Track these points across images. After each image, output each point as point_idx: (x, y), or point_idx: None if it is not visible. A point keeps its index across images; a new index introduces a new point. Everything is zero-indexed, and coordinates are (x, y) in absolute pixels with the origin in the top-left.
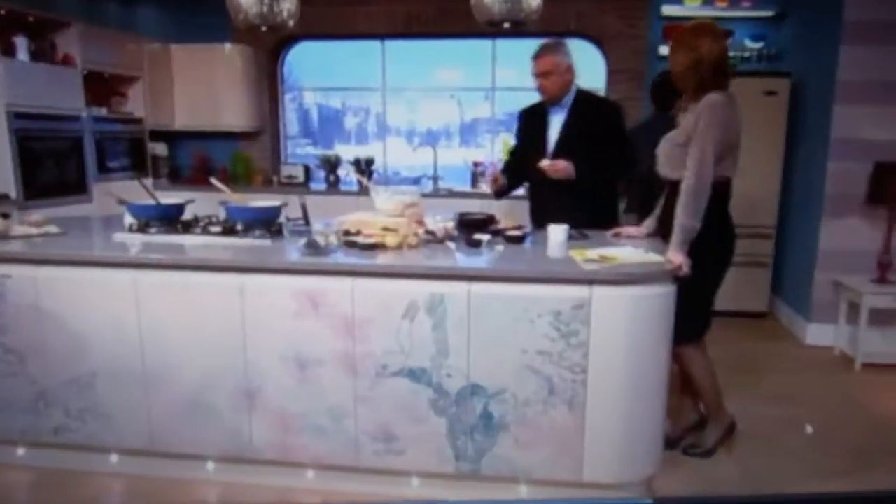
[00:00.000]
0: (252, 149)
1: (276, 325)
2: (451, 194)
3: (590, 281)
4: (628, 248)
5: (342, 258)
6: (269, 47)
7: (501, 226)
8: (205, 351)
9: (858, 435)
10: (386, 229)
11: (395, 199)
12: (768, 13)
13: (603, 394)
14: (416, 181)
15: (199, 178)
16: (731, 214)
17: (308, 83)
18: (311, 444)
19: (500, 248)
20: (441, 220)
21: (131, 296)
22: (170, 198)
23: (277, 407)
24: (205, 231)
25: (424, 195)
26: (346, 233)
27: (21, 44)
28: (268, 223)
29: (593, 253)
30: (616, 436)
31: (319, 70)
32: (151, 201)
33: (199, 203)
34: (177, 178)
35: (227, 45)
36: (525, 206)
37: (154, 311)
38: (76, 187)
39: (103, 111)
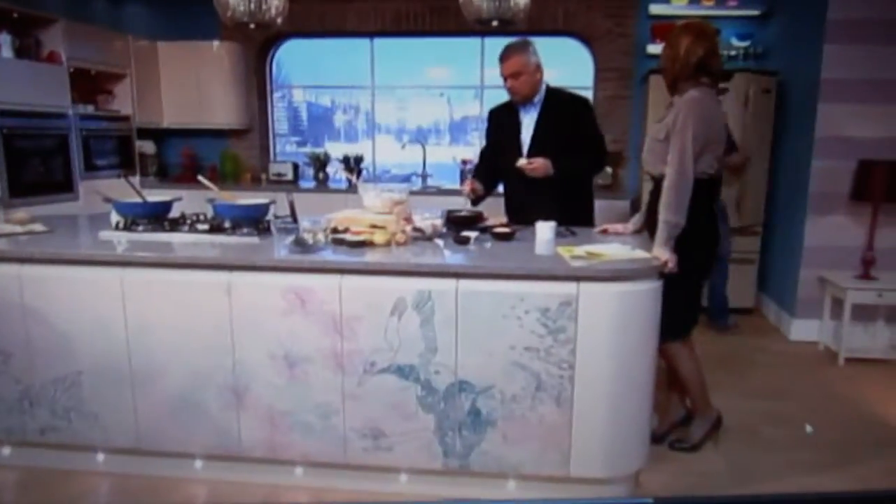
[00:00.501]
0: (241, 147)
1: (264, 323)
2: (440, 192)
3: (577, 277)
4: (615, 245)
5: (330, 256)
6: (258, 45)
7: (489, 223)
8: (192, 349)
9: (843, 429)
10: (374, 227)
11: (383, 197)
12: (754, 12)
13: (590, 389)
14: (405, 179)
15: (187, 176)
16: (716, 212)
17: (297, 81)
18: (300, 441)
19: (487, 245)
20: (429, 217)
21: (118, 294)
22: (158, 196)
23: (266, 404)
24: (192, 229)
25: (413, 193)
26: (335, 230)
27: (5, 41)
28: (256, 221)
29: (580, 249)
30: (603, 431)
31: (309, 68)
32: (138, 199)
33: (187, 201)
34: (165, 176)
35: (216, 43)
36: (501, 205)
37: (141, 309)
38: (62, 185)
39: (90, 109)
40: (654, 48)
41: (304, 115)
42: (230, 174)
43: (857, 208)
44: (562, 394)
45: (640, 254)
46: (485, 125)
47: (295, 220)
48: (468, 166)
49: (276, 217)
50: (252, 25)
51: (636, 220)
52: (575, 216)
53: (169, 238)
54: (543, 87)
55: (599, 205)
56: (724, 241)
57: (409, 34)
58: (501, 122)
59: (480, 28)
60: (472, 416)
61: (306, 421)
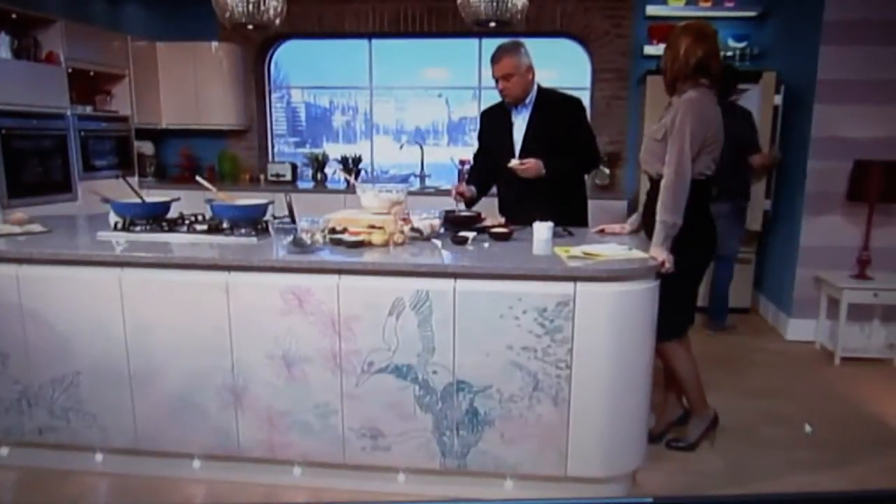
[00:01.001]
0: (239, 147)
1: (263, 323)
2: (438, 192)
3: (574, 277)
4: (612, 245)
5: (328, 256)
6: (256, 45)
7: (487, 223)
8: (191, 349)
9: (839, 428)
10: (372, 227)
11: (381, 197)
12: (751, 13)
13: (587, 389)
14: (403, 179)
15: (185, 176)
16: (711, 212)
17: (296, 81)
18: (298, 441)
19: (485, 245)
20: (427, 217)
21: (116, 294)
22: (156, 196)
23: (264, 405)
24: (190, 229)
25: (411, 193)
26: (333, 230)
27: (4, 41)
28: (254, 221)
29: (577, 250)
30: (600, 430)
31: (307, 68)
32: (136, 200)
33: (186, 201)
34: (163, 176)
35: (214, 44)
36: (495, 206)
37: (139, 309)
38: (61, 186)
39: (88, 109)
40: (652, 49)
41: (302, 115)
42: (228, 175)
43: (853, 208)
44: (559, 393)
45: (637, 254)
46: (479, 127)
47: (293, 221)
48: (466, 167)
49: (275, 217)
50: (250, 26)
51: (633, 220)
52: (568, 216)
53: (167, 238)
54: (535, 87)
55: (597, 205)
56: (733, 242)
57: (407, 35)
58: (494, 124)
59: (478, 29)
60: (470, 415)
61: (305, 421)
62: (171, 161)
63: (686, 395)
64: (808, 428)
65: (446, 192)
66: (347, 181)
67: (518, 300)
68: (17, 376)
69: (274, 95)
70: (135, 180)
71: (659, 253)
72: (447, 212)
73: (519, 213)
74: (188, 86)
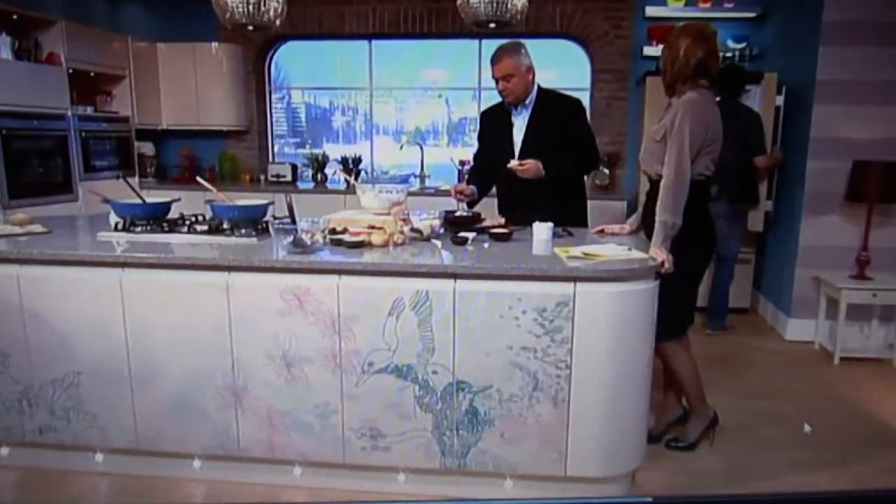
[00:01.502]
0: (239, 148)
1: (263, 323)
2: (438, 193)
3: (574, 278)
4: (611, 245)
5: (328, 256)
6: (257, 46)
7: (487, 223)
8: (191, 349)
9: (838, 427)
10: (372, 227)
11: (381, 198)
12: (751, 14)
13: (587, 389)
14: (403, 180)
15: (186, 177)
16: (710, 212)
17: (296, 82)
18: (298, 441)
19: (485, 245)
20: (427, 217)
21: (117, 295)
22: (156, 197)
23: (264, 405)
24: (191, 230)
25: (411, 194)
26: (333, 231)
27: (4, 42)
28: (254, 222)
29: (577, 250)
30: (600, 430)
31: (307, 69)
32: (137, 200)
33: (186, 202)
34: (164, 177)
35: (214, 44)
36: (495, 206)
37: (140, 309)
38: (62, 186)
39: (89, 110)
40: (651, 50)
41: (302, 116)
42: (229, 175)
43: (851, 209)
44: (559, 393)
45: (637, 254)
46: (479, 128)
47: (293, 221)
48: (465, 167)
49: (275, 218)
50: (251, 27)
51: (633, 220)
52: (567, 217)
53: (168, 239)
54: (535, 88)
55: (596, 205)
56: (734, 243)
57: (407, 36)
58: (493, 124)
59: (478, 30)
60: (470, 415)
61: (305, 421)
62: (171, 161)
63: (685, 395)
64: (807, 428)
65: (446, 193)
66: (347, 181)
67: (518, 300)
68: (17, 376)
69: (274, 96)
70: (135, 181)
71: (658, 253)
72: (447, 212)
73: (519, 213)
74: (188, 86)
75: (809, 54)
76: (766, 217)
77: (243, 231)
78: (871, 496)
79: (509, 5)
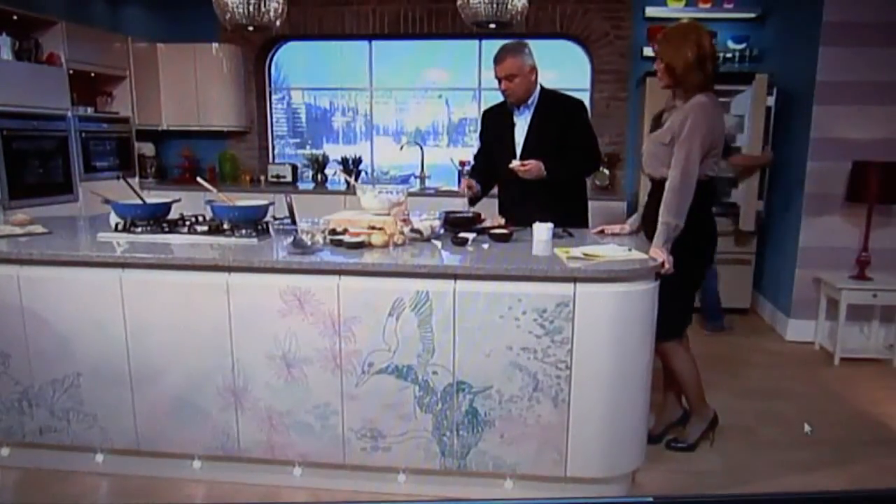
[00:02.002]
0: (239, 148)
1: (263, 324)
2: (438, 193)
3: (574, 278)
4: (612, 246)
5: (328, 257)
6: (257, 47)
7: (487, 224)
8: (191, 350)
9: (838, 428)
10: (372, 228)
11: (381, 198)
12: (751, 14)
13: (587, 390)
14: (404, 180)
15: (186, 177)
16: (712, 212)
17: (296, 83)
18: (298, 441)
19: (485, 246)
20: (427, 218)
21: (117, 295)
22: (157, 197)
23: (264, 405)
24: (191, 230)
25: (411, 194)
26: (333, 231)
27: (5, 43)
28: (254, 222)
29: (577, 251)
30: (600, 431)
31: (307, 70)
32: (137, 201)
33: (186, 202)
34: (164, 177)
35: (214, 45)
36: (495, 206)
37: (140, 310)
38: (62, 187)
39: (89, 110)
40: (651, 51)
41: (302, 116)
42: (229, 176)
43: (851, 209)
44: (559, 394)
45: (637, 255)
46: (480, 127)
47: (293, 222)
48: (465, 168)
49: (275, 218)
50: (251, 28)
51: (633, 220)
52: (568, 217)
53: (168, 239)
54: (538, 88)
55: (596, 206)
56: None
57: (407, 37)
58: (495, 124)
59: (478, 30)
60: (470, 416)
61: (305, 421)
62: (171, 162)
63: (686, 395)
64: (807, 428)
65: (446, 193)
66: (347, 182)
67: (518, 301)
68: (17, 377)
69: (274, 97)
70: (135, 181)
71: (659, 253)
72: (447, 213)
73: (519, 214)
74: (189, 87)
75: (809, 55)
76: (757, 217)
77: (243, 232)
78: (871, 496)
79: (509, 6)
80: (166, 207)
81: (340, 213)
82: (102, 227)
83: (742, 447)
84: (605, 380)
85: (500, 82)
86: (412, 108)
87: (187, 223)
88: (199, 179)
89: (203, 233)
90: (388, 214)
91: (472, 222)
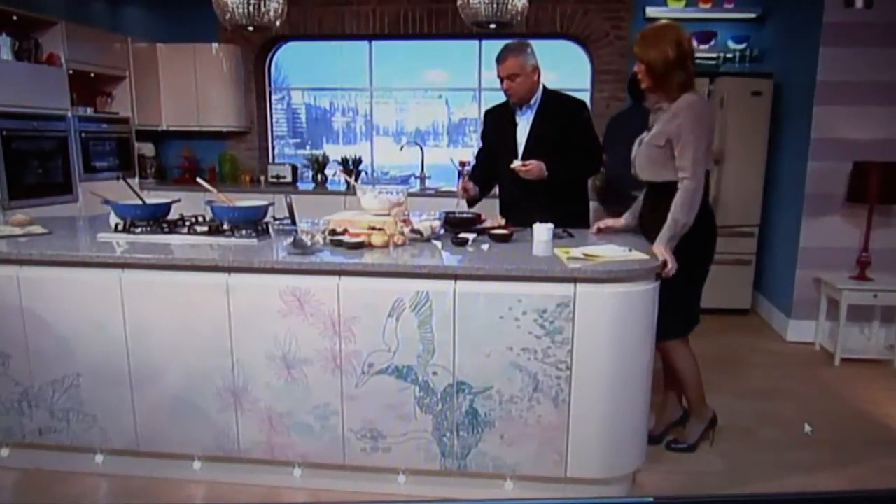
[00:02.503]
0: (239, 149)
1: (263, 325)
2: (438, 193)
3: (574, 279)
4: (611, 246)
5: (328, 257)
6: (257, 47)
7: (487, 224)
8: (191, 350)
9: (838, 428)
10: (372, 228)
11: (381, 199)
12: (751, 14)
13: (587, 390)
14: (404, 181)
15: (186, 178)
16: (711, 207)
17: (296, 83)
18: (298, 442)
19: (485, 246)
20: (427, 218)
21: (116, 296)
22: (157, 198)
23: (264, 406)
24: (191, 230)
25: (411, 194)
26: (333, 232)
27: (4, 43)
28: (254, 223)
29: (577, 251)
30: (600, 431)
31: (307, 70)
32: (137, 201)
33: (186, 203)
34: (164, 178)
35: (214, 45)
36: (496, 207)
37: (140, 310)
38: (62, 187)
39: (89, 111)
40: None
41: (302, 117)
42: (229, 176)
43: (852, 210)
44: (559, 395)
45: (637, 255)
46: (482, 127)
47: (293, 222)
48: (465, 168)
49: (275, 219)
50: (251, 28)
51: (627, 215)
52: (569, 218)
53: (168, 240)
54: (540, 88)
55: (596, 206)
56: None
57: (407, 37)
58: (497, 124)
59: (478, 31)
60: (470, 416)
61: (305, 422)
62: (171, 162)
63: (686, 394)
64: (807, 428)
65: (446, 194)
66: (347, 182)
67: (518, 301)
68: (17, 377)
69: (274, 97)
70: (135, 182)
71: (662, 251)
72: (447, 213)
73: (520, 214)
74: (189, 87)
75: (810, 55)
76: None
77: (243, 232)
78: (871, 496)
79: (510, 6)
80: (166, 208)
81: (340, 213)
82: (102, 228)
83: (742, 447)
84: (606, 380)
85: (502, 82)
86: (412, 108)
87: (187, 223)
88: (198, 180)
89: (203, 233)
90: (388, 215)
91: (472, 223)
